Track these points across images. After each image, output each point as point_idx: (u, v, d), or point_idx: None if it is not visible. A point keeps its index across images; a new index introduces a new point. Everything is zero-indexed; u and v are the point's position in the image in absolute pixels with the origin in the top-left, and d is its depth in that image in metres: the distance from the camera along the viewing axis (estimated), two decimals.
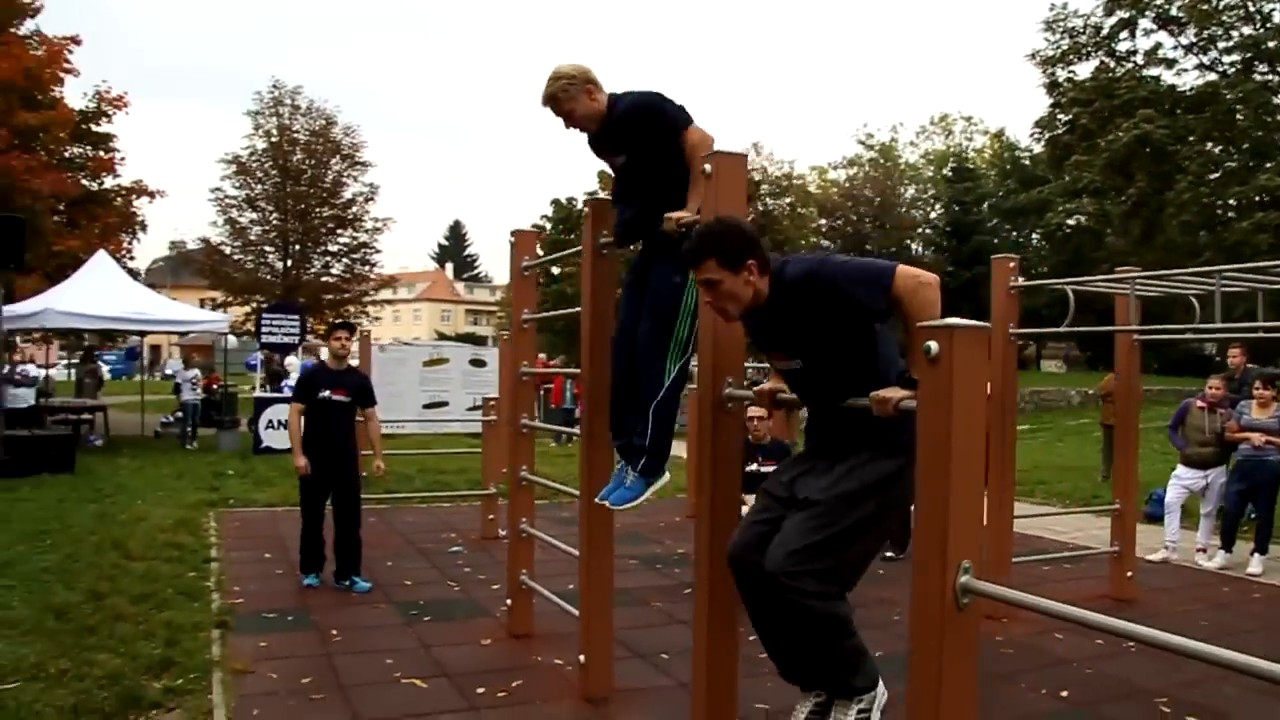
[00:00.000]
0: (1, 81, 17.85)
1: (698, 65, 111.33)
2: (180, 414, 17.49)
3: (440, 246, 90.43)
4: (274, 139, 31.69)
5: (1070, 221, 31.72)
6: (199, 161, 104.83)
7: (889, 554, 7.78)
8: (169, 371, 24.14)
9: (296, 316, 16.98)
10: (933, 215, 45.37)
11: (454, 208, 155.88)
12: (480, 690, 4.57)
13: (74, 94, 20.95)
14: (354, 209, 32.60)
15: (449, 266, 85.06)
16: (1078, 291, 6.00)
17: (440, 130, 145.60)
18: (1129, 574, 6.37)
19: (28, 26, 19.83)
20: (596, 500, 3.82)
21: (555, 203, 39.08)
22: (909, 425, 2.48)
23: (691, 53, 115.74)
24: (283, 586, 6.68)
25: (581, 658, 4.45)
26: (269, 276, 31.52)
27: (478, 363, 17.62)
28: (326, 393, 6.72)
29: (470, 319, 76.69)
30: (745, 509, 6.05)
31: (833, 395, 2.79)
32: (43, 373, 18.17)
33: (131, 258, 22.52)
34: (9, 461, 11.78)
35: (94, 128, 20.85)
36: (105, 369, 41.63)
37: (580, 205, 38.00)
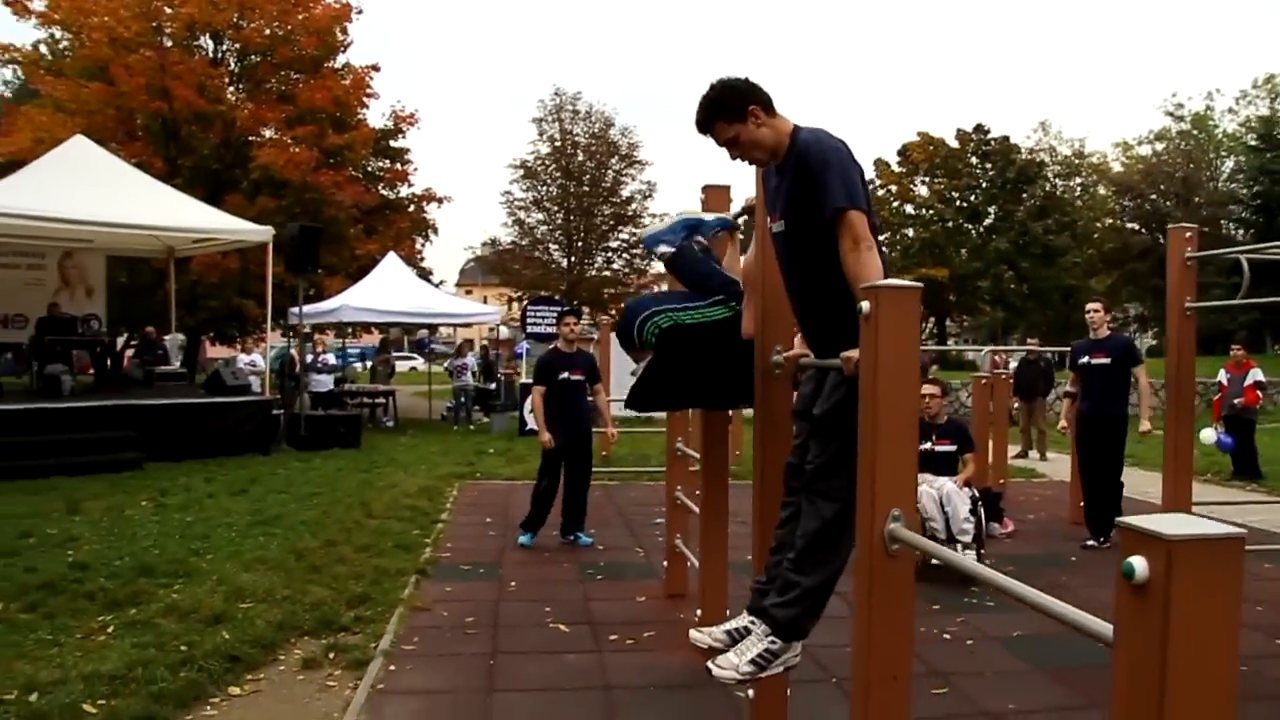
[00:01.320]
0: (316, 110, 20.51)
1: (986, 44, 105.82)
2: (461, 399, 19.39)
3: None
4: (557, 143, 33.96)
5: None
6: (492, 168, 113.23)
7: (1090, 541, 7.47)
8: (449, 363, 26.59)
9: (558, 309, 18.27)
10: (1254, 189, 40.75)
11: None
12: (612, 637, 5.05)
13: (375, 115, 23.58)
14: (633, 206, 34.29)
15: (742, 259, 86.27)
16: None
17: None
18: None
19: (339, 60, 22.57)
20: None
21: None
22: None
23: (979, 31, 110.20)
24: (490, 546, 7.48)
25: (699, 612, 4.80)
26: (555, 273, 33.76)
27: None
28: (565, 374, 7.49)
29: None
30: (923, 487, 6.15)
31: (808, 284, 2.95)
32: (331, 359, 20.57)
33: (422, 259, 24.98)
34: (308, 437, 13.67)
35: (391, 144, 23.40)
36: (420, 361, 46.01)
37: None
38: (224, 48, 20.79)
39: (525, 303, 20.17)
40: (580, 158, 33.63)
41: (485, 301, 38.86)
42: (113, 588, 5.74)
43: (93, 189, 12.51)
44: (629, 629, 5.20)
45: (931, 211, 36.34)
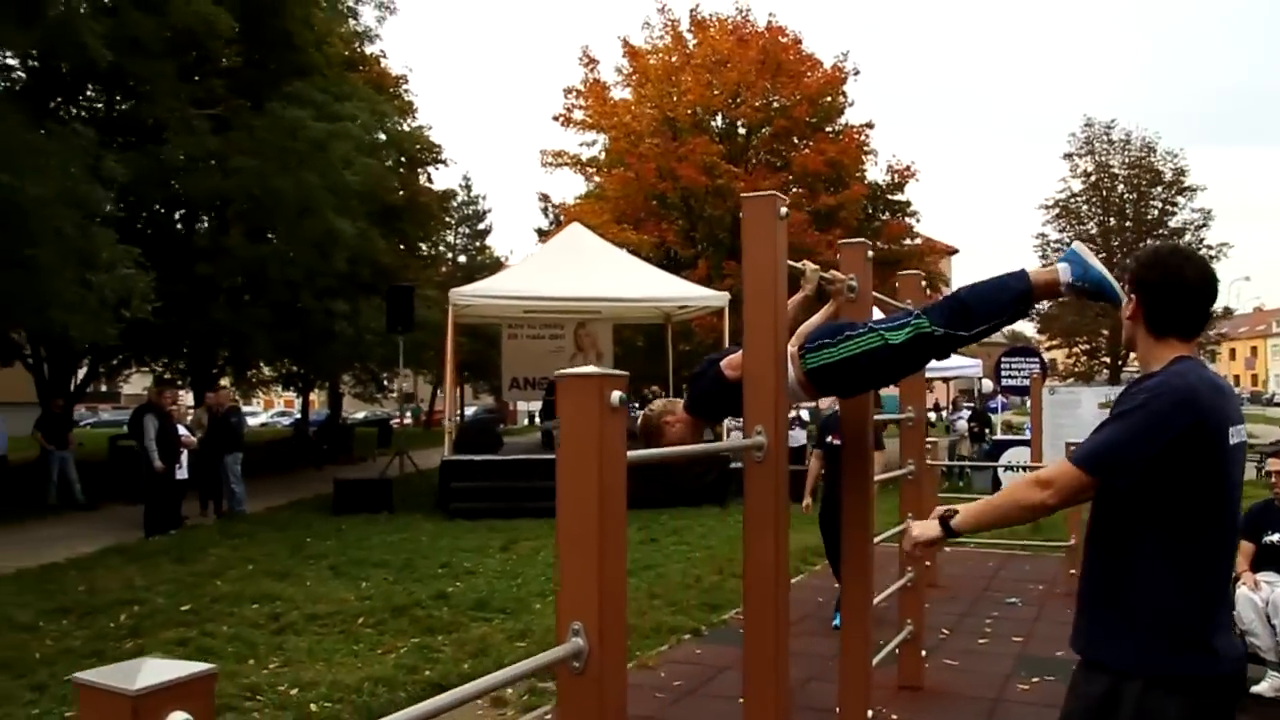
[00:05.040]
0: (811, 173, 21.64)
1: None
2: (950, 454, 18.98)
3: None
4: (1092, 177, 31.52)
5: None
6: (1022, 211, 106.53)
7: None
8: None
9: (1036, 358, 17.14)
10: None
11: None
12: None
13: (875, 170, 24.03)
14: (1186, 237, 30.51)
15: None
16: None
17: None
18: None
19: (841, 121, 23.54)
20: None
21: None
22: None
23: None
24: (794, 611, 7.50)
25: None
26: (1090, 317, 30.95)
27: None
28: (829, 438, 7.07)
29: None
30: (1242, 590, 5.19)
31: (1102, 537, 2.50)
32: (804, 414, 21.15)
33: None
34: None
35: (890, 198, 23.68)
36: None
37: None
38: (725, 126, 22.90)
39: (1000, 354, 19.07)
40: (1120, 189, 30.77)
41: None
42: (442, 616, 6.98)
43: (589, 267, 14.78)
44: (819, 716, 5.05)
45: None
